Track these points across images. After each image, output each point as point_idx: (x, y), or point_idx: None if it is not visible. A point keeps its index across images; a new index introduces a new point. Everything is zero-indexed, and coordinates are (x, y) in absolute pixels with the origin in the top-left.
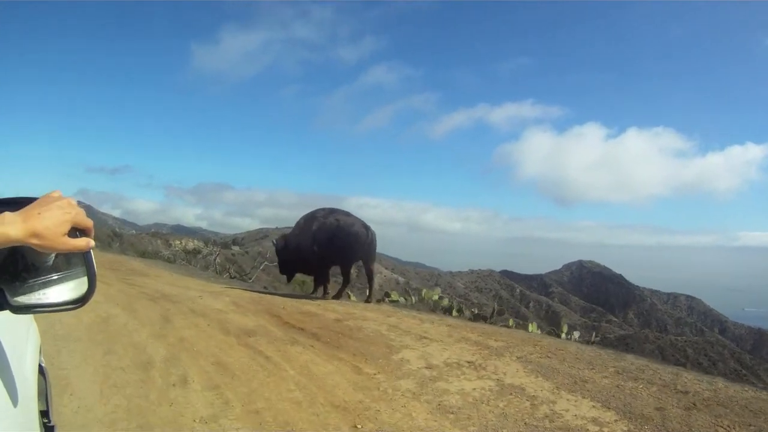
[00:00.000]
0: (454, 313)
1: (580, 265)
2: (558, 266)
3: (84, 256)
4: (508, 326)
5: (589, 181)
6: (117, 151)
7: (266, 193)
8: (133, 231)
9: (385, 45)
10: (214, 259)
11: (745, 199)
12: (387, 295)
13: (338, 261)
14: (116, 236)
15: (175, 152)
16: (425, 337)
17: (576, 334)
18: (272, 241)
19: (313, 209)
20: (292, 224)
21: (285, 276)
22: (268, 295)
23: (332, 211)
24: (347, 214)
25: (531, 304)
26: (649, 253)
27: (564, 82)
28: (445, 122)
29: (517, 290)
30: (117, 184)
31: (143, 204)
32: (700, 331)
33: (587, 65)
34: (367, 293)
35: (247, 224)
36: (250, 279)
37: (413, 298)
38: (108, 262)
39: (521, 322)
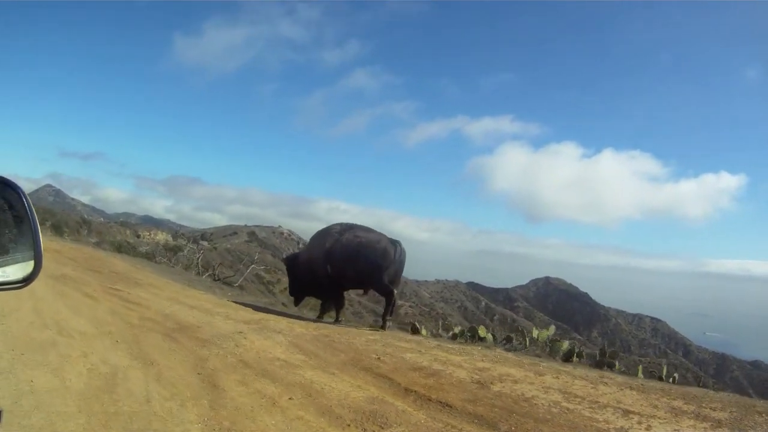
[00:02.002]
0: (574, 358)
1: (547, 281)
2: (524, 281)
3: (33, 236)
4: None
5: (561, 199)
6: (92, 137)
7: (237, 190)
8: (102, 219)
9: (370, 50)
10: (198, 258)
11: (715, 226)
12: (472, 332)
13: (365, 284)
14: (85, 223)
15: (149, 142)
16: (631, 412)
17: None
18: (282, 257)
19: (328, 224)
20: (262, 222)
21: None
22: (322, 326)
23: (349, 227)
24: (368, 229)
25: (496, 317)
26: (615, 273)
27: (546, 99)
28: (420, 131)
29: (483, 303)
30: (89, 170)
31: (113, 192)
32: (664, 353)
33: (571, 85)
34: (382, 319)
35: (216, 220)
36: (235, 285)
37: (526, 339)
38: (86, 261)
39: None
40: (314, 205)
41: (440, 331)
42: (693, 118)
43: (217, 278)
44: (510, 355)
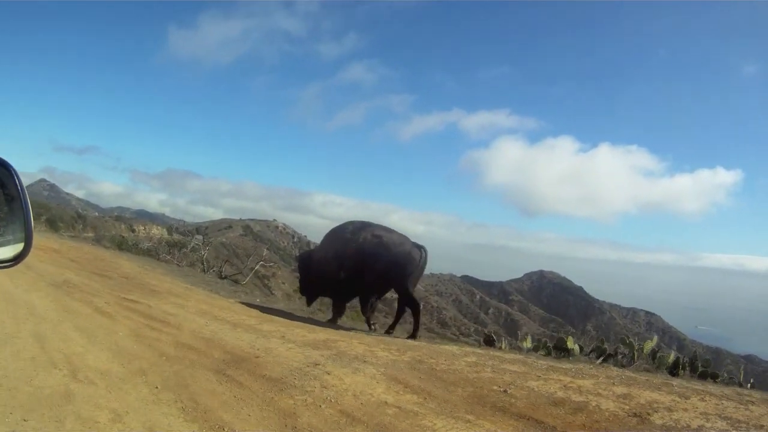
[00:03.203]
0: (680, 371)
1: (541, 275)
2: (519, 275)
3: (24, 216)
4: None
5: (556, 193)
6: (86, 131)
7: (231, 184)
8: (96, 213)
9: (367, 43)
10: (204, 255)
11: (710, 221)
12: (558, 344)
13: (383, 289)
14: (80, 218)
15: (144, 136)
16: None
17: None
18: (296, 254)
19: (342, 222)
20: (256, 216)
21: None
22: (409, 344)
23: (367, 225)
24: (388, 229)
25: (490, 311)
26: (610, 267)
27: (543, 93)
28: (416, 124)
29: (477, 296)
30: (83, 164)
31: (108, 186)
32: (659, 347)
33: (568, 79)
34: (413, 329)
35: (210, 213)
36: (242, 283)
37: (635, 353)
38: (90, 262)
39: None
40: (309, 198)
41: (520, 342)
42: (689, 113)
43: (223, 276)
44: (629, 372)
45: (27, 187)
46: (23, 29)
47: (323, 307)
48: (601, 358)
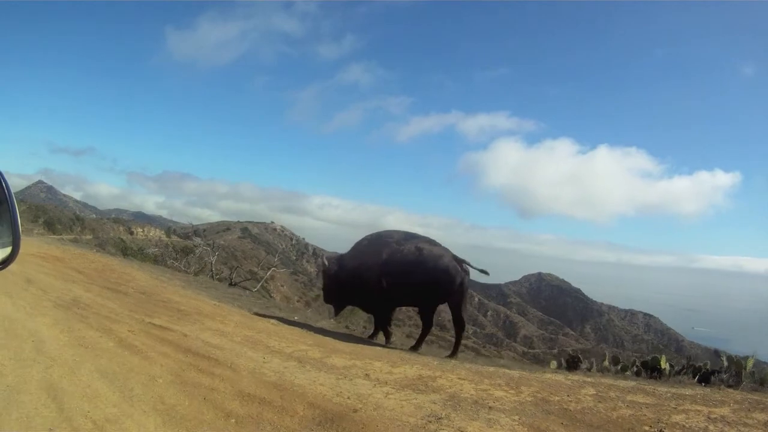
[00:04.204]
0: None
1: (539, 277)
2: (517, 277)
3: (11, 219)
4: None
5: (554, 194)
6: (83, 132)
7: (229, 185)
8: (94, 215)
9: (365, 45)
10: (213, 262)
11: (708, 223)
12: (652, 363)
13: (417, 301)
14: (78, 220)
15: (141, 138)
16: None
17: None
18: (322, 260)
19: (379, 230)
20: (254, 218)
21: (331, 306)
22: (509, 375)
23: (410, 237)
24: (431, 242)
25: (489, 313)
26: (608, 269)
27: (542, 95)
28: (414, 126)
29: (476, 299)
30: (80, 166)
31: (105, 188)
32: (657, 349)
33: (568, 80)
34: (453, 348)
35: (208, 216)
36: (254, 290)
37: (742, 371)
38: (98, 273)
39: None
40: (307, 200)
41: (607, 363)
42: (689, 115)
43: (233, 283)
44: (748, 394)
45: (24, 189)
46: (19, 29)
47: (350, 318)
48: (696, 377)
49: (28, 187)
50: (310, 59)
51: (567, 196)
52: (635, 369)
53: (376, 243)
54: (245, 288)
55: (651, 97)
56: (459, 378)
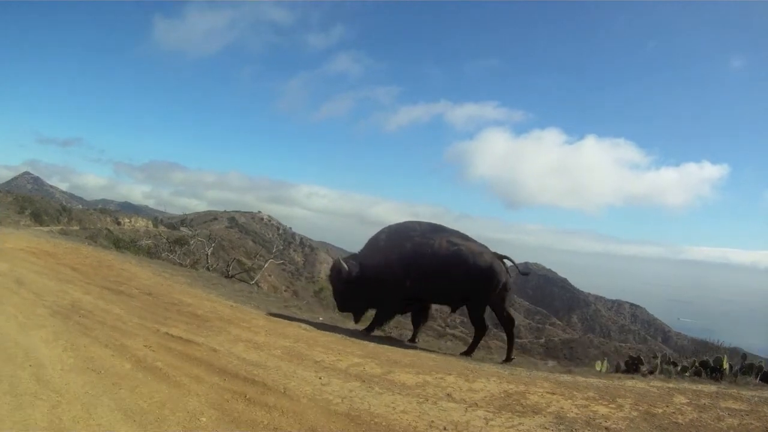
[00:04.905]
0: None
1: (526, 266)
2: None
3: None
4: None
5: (542, 184)
6: (70, 123)
7: (216, 175)
8: (81, 206)
9: (355, 35)
10: (208, 254)
11: (695, 214)
12: (714, 364)
13: (450, 301)
14: (65, 211)
15: (128, 127)
16: None
17: None
18: (339, 265)
19: (397, 222)
20: (241, 208)
21: (350, 313)
22: (586, 384)
23: (437, 230)
24: (464, 236)
25: None
26: (595, 259)
27: (531, 86)
28: (402, 115)
29: None
30: (67, 156)
31: (92, 179)
32: (644, 339)
33: (556, 72)
34: (507, 351)
35: (195, 205)
36: (252, 283)
37: None
38: (94, 270)
39: None
40: (294, 189)
41: (664, 364)
42: (677, 107)
43: (229, 275)
44: None
45: (11, 180)
46: (5, 20)
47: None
48: (758, 376)
49: (15, 178)
50: (298, 49)
51: (554, 187)
52: (694, 369)
53: (397, 237)
54: (242, 281)
55: (640, 89)
56: (547, 392)
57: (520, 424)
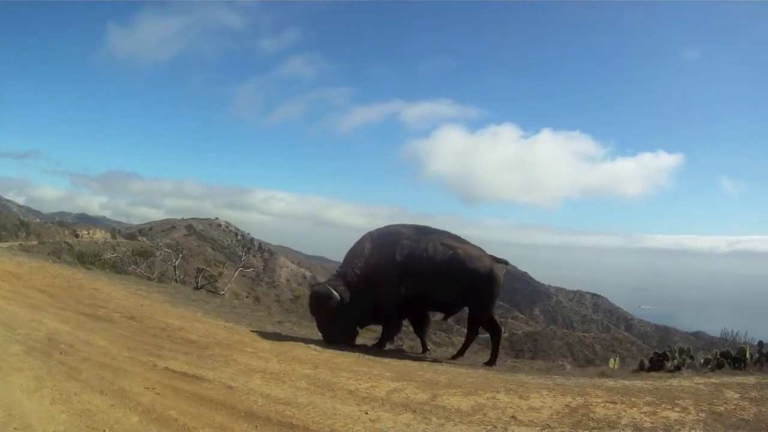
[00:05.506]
0: None
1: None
2: None
3: None
4: None
5: (499, 180)
6: (27, 135)
7: (173, 183)
8: (38, 219)
9: (307, 37)
10: (175, 265)
11: (652, 203)
12: (738, 355)
13: (454, 309)
14: (23, 225)
15: (85, 138)
16: None
17: None
18: (327, 292)
19: (378, 228)
20: (198, 215)
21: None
22: (638, 388)
23: (426, 231)
24: (458, 238)
25: None
26: (554, 252)
27: (484, 82)
28: (356, 116)
29: None
30: (24, 169)
31: (49, 191)
32: (607, 328)
33: (510, 67)
34: (491, 354)
35: (153, 215)
36: (222, 292)
37: None
38: (65, 292)
39: None
40: (251, 194)
41: (691, 359)
42: (632, 98)
43: (198, 286)
44: None
45: None
46: None
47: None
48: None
49: None
50: (251, 53)
51: (511, 182)
52: (716, 361)
53: (384, 244)
54: (211, 291)
55: (594, 81)
56: (608, 402)
57: None
